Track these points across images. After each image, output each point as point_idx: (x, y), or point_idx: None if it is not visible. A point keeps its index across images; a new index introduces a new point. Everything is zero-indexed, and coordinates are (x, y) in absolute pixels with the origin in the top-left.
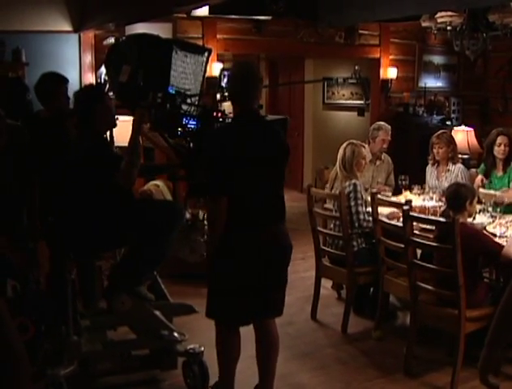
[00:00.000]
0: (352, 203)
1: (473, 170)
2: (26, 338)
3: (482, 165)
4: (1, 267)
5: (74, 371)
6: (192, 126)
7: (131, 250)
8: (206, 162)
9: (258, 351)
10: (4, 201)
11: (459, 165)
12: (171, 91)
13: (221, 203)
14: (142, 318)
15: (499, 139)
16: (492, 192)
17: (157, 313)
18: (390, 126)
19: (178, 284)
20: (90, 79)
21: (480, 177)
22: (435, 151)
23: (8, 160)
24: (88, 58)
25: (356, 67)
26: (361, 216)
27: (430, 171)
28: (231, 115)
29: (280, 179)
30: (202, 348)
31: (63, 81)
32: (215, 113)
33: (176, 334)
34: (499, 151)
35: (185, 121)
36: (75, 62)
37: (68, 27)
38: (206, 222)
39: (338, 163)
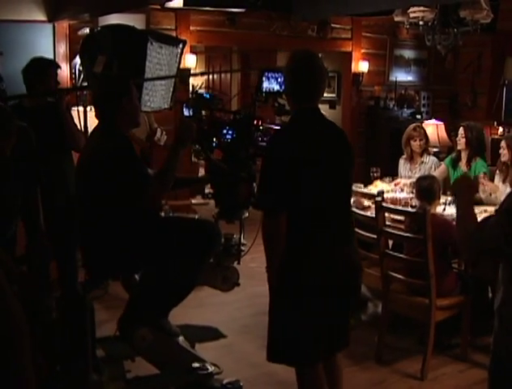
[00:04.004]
0: None
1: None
2: (38, 379)
3: (450, 156)
4: None
5: None
6: (228, 137)
7: (156, 278)
8: (264, 172)
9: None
10: (8, 215)
11: (433, 158)
12: (206, 95)
13: (280, 219)
14: (166, 353)
15: (459, 130)
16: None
17: (183, 343)
18: None
19: None
20: (64, 69)
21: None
22: (414, 143)
23: (13, 167)
24: (62, 48)
25: (320, 55)
26: None
27: (403, 163)
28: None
29: (349, 189)
30: (242, 383)
31: (53, 64)
32: (255, 121)
33: (209, 366)
34: (457, 141)
35: (224, 131)
36: (49, 52)
37: (42, 17)
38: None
39: None
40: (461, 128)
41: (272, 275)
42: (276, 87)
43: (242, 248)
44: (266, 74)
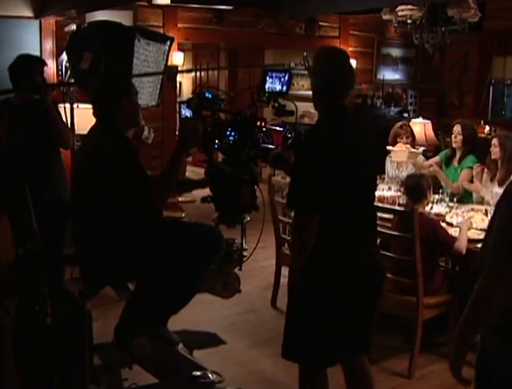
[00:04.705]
0: None
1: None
2: None
3: (445, 151)
4: None
5: None
6: (231, 138)
7: (156, 284)
8: (297, 171)
9: None
10: None
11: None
12: (208, 95)
13: (312, 219)
14: (166, 361)
15: (454, 128)
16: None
17: (183, 351)
18: None
19: None
20: (50, 65)
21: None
22: (401, 141)
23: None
24: (49, 45)
25: (304, 54)
26: None
27: (390, 161)
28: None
29: (373, 188)
30: None
31: (40, 61)
32: (258, 122)
33: (210, 375)
34: (453, 139)
35: (228, 132)
36: (36, 49)
37: (29, 13)
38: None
39: None
40: (457, 126)
41: (295, 274)
42: (278, 87)
43: (244, 253)
44: (270, 73)
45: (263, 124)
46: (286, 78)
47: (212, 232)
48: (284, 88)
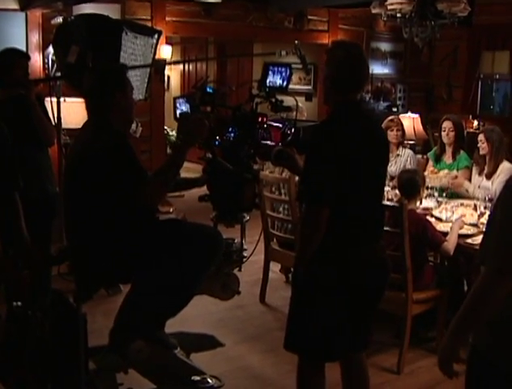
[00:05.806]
0: None
1: (419, 156)
2: None
3: (434, 149)
4: None
5: None
6: (232, 135)
7: (154, 286)
8: (311, 166)
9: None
10: None
11: (409, 151)
12: (209, 90)
13: (323, 215)
14: (164, 366)
15: (444, 124)
16: (441, 173)
17: (180, 354)
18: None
19: None
20: (37, 59)
21: (430, 163)
22: (391, 133)
23: None
24: (35, 38)
25: (296, 42)
26: None
27: None
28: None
29: (383, 184)
30: None
31: (23, 55)
32: (260, 118)
33: (209, 379)
34: (444, 136)
35: (230, 129)
36: (22, 42)
37: (14, 5)
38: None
39: None
40: (448, 122)
41: (300, 267)
42: (279, 82)
43: (244, 254)
44: (272, 67)
45: (265, 120)
46: (287, 72)
47: (211, 233)
48: (285, 83)
